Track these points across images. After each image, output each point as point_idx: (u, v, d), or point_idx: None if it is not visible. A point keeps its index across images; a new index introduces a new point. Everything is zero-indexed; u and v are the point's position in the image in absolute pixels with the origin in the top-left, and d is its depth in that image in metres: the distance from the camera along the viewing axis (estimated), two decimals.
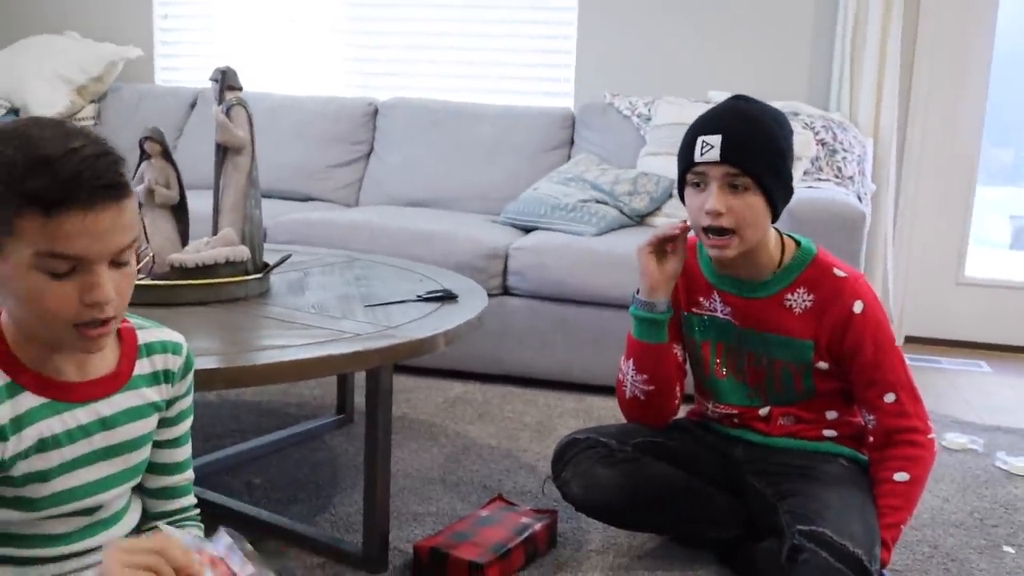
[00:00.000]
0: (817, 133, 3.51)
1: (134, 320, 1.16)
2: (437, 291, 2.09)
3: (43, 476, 1.05)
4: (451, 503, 2.24)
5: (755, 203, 1.73)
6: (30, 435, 1.03)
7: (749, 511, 1.92)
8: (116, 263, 1.00)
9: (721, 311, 1.89)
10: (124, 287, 1.02)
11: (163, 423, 1.18)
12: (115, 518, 1.14)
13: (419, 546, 1.90)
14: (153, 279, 1.95)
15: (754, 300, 1.84)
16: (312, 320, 1.83)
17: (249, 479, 2.34)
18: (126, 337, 1.13)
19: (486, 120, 3.87)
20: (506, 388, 3.15)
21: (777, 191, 1.75)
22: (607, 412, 2.90)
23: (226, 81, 2.09)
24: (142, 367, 1.13)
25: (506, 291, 3.15)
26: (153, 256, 1.99)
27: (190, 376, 1.20)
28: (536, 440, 2.68)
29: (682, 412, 2.04)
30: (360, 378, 2.91)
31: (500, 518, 2.02)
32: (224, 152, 2.10)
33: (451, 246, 3.15)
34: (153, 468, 1.19)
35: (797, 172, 3.31)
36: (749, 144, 1.72)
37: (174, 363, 1.17)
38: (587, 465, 1.89)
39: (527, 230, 3.36)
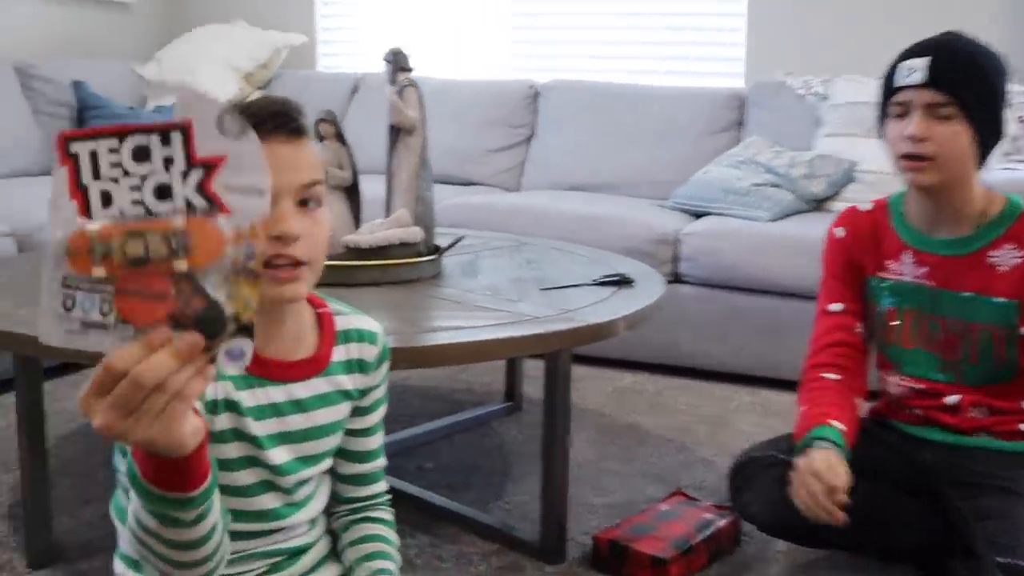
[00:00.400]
0: (1018, 112, 3.29)
1: (334, 305, 1.16)
2: (613, 275, 2.05)
3: (225, 438, 1.06)
4: (627, 495, 2.21)
5: (960, 134, 1.60)
6: (232, 402, 1.06)
7: (942, 519, 1.78)
8: (304, 206, 1.01)
9: (913, 273, 1.76)
10: (315, 235, 1.02)
11: (357, 412, 1.18)
12: (301, 503, 1.15)
13: (599, 537, 1.87)
14: (327, 260, 1.98)
15: (954, 258, 1.71)
16: (488, 302, 1.83)
17: (420, 463, 2.36)
18: (325, 323, 1.14)
19: (652, 102, 3.80)
20: (677, 379, 3.08)
21: (986, 126, 1.61)
22: (784, 407, 2.80)
23: (398, 62, 2.10)
24: (338, 354, 1.14)
25: (677, 278, 3.09)
26: (329, 238, 2.02)
27: (385, 366, 1.19)
28: (712, 434, 2.62)
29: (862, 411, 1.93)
30: (528, 366, 2.90)
31: (681, 513, 1.97)
32: (396, 133, 2.12)
33: (619, 231, 3.11)
34: (346, 455, 1.20)
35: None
36: (958, 69, 1.59)
37: (370, 352, 1.17)
38: (768, 487, 1.79)
39: (697, 215, 3.29)
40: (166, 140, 0.68)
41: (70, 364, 2.82)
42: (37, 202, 2.98)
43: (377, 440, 1.23)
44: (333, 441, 1.16)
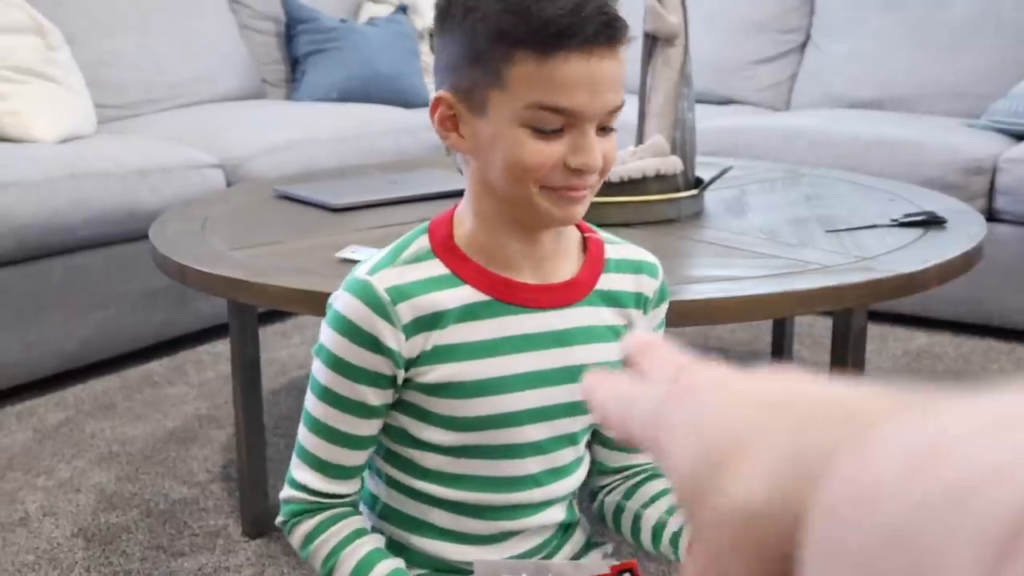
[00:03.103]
0: None
1: (603, 234, 1.13)
2: (917, 214, 1.94)
3: (463, 390, 1.04)
4: None
5: None
6: (462, 334, 1.03)
7: None
8: (603, 128, 0.99)
9: None
10: (609, 158, 1.00)
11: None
12: (569, 468, 1.13)
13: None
14: None
15: None
16: (763, 247, 1.76)
17: None
18: (592, 247, 1.10)
19: None
20: (987, 341, 2.92)
21: None
22: None
23: None
24: (607, 283, 1.10)
25: (992, 216, 2.90)
26: None
27: (665, 305, 1.16)
28: None
29: None
30: (800, 322, 2.81)
31: None
32: (652, 43, 2.07)
33: (918, 157, 2.95)
34: None
35: None
36: None
37: (649, 286, 1.13)
38: None
39: (1020, 136, 3.07)
40: None
41: (280, 311, 2.96)
42: (246, 130, 3.13)
43: None
44: None
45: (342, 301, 1.03)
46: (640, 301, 1.12)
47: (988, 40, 3.47)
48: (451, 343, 1.03)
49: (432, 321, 1.02)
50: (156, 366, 2.77)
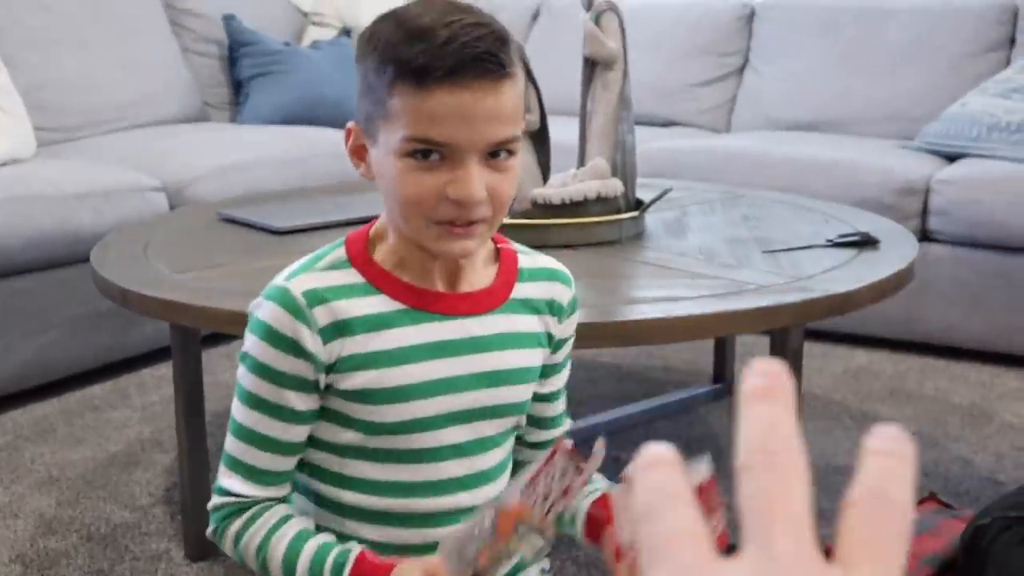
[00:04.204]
0: None
1: (515, 245, 1.16)
2: (851, 234, 1.98)
3: (378, 396, 1.05)
4: None
5: None
6: (378, 341, 1.05)
7: None
8: (493, 162, 1.00)
9: None
10: (501, 191, 1.01)
11: (545, 372, 1.17)
12: (494, 472, 1.14)
13: (830, 548, 1.81)
14: (512, 217, 1.98)
15: None
16: (702, 268, 1.79)
17: (617, 454, 2.35)
18: (505, 258, 1.13)
19: (894, 19, 3.63)
20: (923, 359, 2.97)
21: None
22: None
23: None
24: (522, 291, 1.12)
25: (925, 236, 2.96)
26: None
27: (575, 316, 1.18)
28: (970, 426, 2.51)
29: None
30: (739, 340, 2.85)
31: (936, 524, 1.89)
32: (592, 68, 2.09)
33: (853, 178, 3.00)
34: (542, 423, 1.21)
35: None
36: None
37: (562, 294, 1.15)
38: (1005, 554, 1.69)
39: (951, 158, 3.14)
40: None
41: (223, 334, 2.95)
42: (189, 153, 3.12)
43: (562, 404, 1.23)
44: (521, 394, 1.13)
45: (263, 309, 1.05)
46: (554, 308, 1.14)
47: (922, 64, 3.54)
48: (366, 351, 1.04)
49: (347, 327, 1.04)
50: (98, 390, 2.74)
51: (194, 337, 1.91)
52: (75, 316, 2.69)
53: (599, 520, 1.09)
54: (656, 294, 1.67)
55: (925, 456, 2.34)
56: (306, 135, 3.40)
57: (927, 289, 2.94)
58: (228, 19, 3.91)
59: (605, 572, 1.86)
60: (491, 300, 1.10)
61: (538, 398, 1.18)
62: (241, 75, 3.87)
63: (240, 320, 1.52)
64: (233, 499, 1.07)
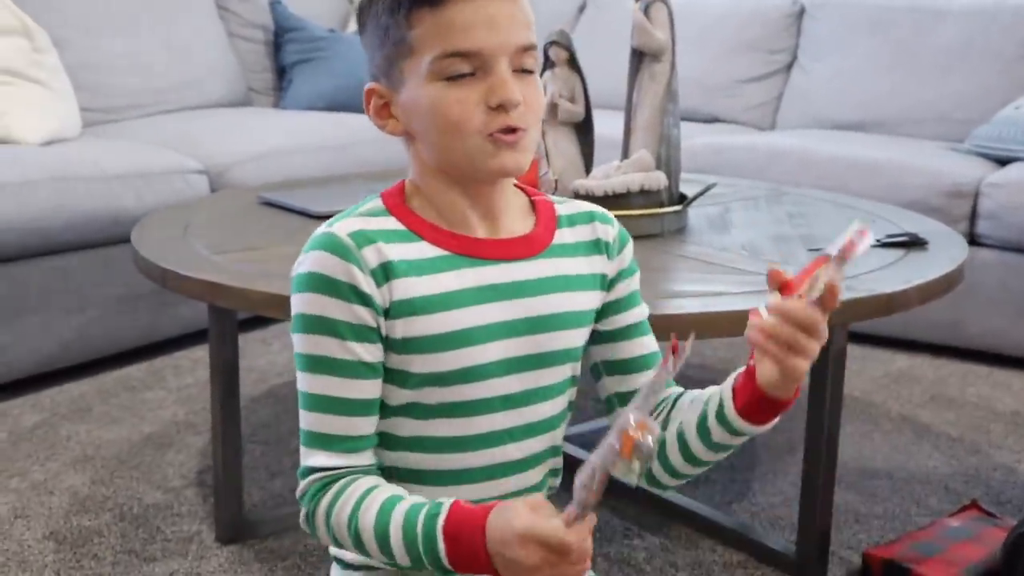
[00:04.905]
0: None
1: (549, 196, 1.14)
2: (899, 234, 1.94)
3: (426, 344, 1.02)
4: (903, 504, 2.11)
5: None
6: (425, 286, 1.02)
7: None
8: (518, 70, 1.01)
9: None
10: (532, 98, 1.02)
11: (608, 310, 1.13)
12: (546, 424, 1.10)
13: (871, 554, 1.80)
14: None
15: None
16: (745, 264, 1.76)
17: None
18: (542, 208, 1.11)
19: (948, 19, 3.57)
20: (966, 365, 2.93)
21: None
22: None
23: None
24: (564, 237, 1.10)
25: (972, 240, 2.91)
26: (556, 181, 2.00)
27: (629, 250, 1.15)
28: (1013, 435, 2.47)
29: None
30: None
31: (977, 532, 1.86)
32: (639, 59, 2.07)
33: (901, 180, 2.96)
34: (614, 367, 1.15)
35: None
36: None
37: (607, 232, 1.12)
38: None
39: (1003, 161, 3.08)
40: None
41: (260, 318, 2.95)
42: (231, 136, 3.12)
43: (647, 344, 1.15)
44: (574, 339, 1.09)
45: (308, 260, 1.01)
46: (601, 247, 1.12)
47: (973, 65, 3.49)
48: (410, 296, 1.01)
49: (393, 269, 1.01)
50: (134, 370, 2.75)
51: (231, 319, 1.90)
52: (113, 296, 2.70)
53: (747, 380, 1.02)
54: (698, 288, 1.64)
55: (967, 463, 2.30)
56: (347, 122, 3.40)
57: (973, 294, 2.88)
58: (274, 4, 3.92)
59: (635, 567, 1.85)
60: (533, 246, 1.08)
61: (612, 336, 1.13)
62: (285, 61, 3.88)
63: (278, 303, 1.52)
64: (317, 476, 1.02)
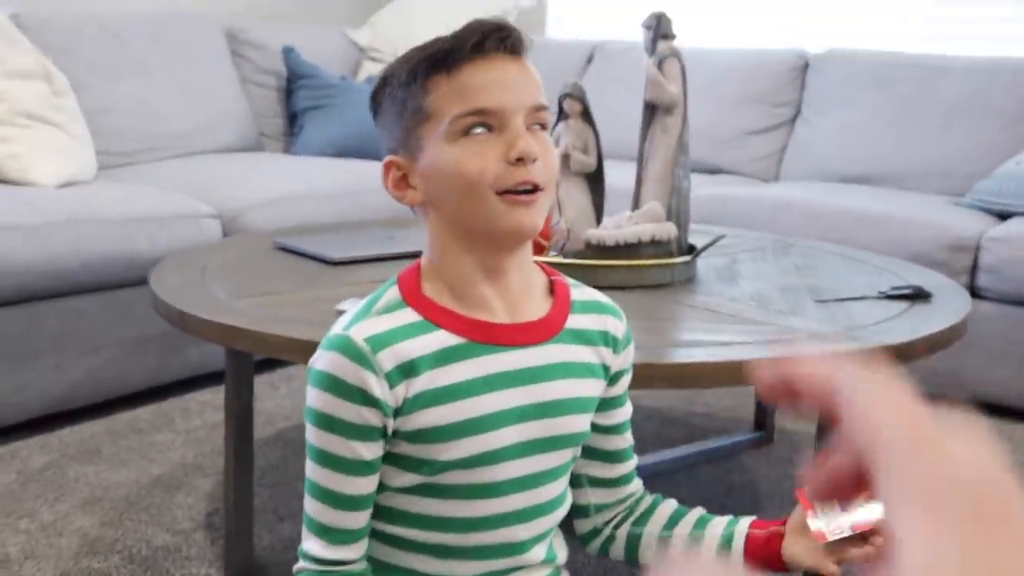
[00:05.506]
0: None
1: (565, 278, 1.17)
2: (904, 287, 1.97)
3: (446, 433, 1.05)
4: None
5: None
6: (444, 377, 1.05)
7: None
8: (533, 127, 1.05)
9: None
10: (547, 160, 1.05)
11: (606, 405, 1.18)
12: (552, 505, 1.14)
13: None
14: (566, 257, 1.99)
15: None
16: (754, 314, 1.79)
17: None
18: (558, 290, 1.14)
19: (951, 75, 3.62)
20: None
21: None
22: None
23: (660, 28, 2.09)
24: (576, 323, 1.13)
25: (973, 293, 2.93)
26: (568, 231, 2.03)
27: (631, 349, 1.19)
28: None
29: None
30: None
31: None
32: (652, 112, 2.11)
33: (904, 233, 2.99)
34: (596, 455, 1.21)
35: None
36: None
37: (616, 327, 1.16)
38: None
39: (1003, 216, 3.11)
40: None
41: (269, 362, 2.97)
42: (243, 181, 3.16)
43: (629, 438, 1.24)
44: (578, 424, 1.13)
45: (323, 359, 1.04)
46: (608, 340, 1.15)
47: (975, 121, 3.53)
48: (433, 387, 1.04)
49: (411, 368, 1.04)
50: (143, 412, 2.77)
51: (248, 363, 1.93)
52: (125, 338, 2.72)
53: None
54: (708, 338, 1.66)
55: None
56: (358, 169, 3.44)
57: (974, 346, 2.91)
58: (287, 51, 3.97)
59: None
60: (548, 330, 1.11)
61: (606, 430, 1.20)
62: (297, 107, 3.92)
63: (297, 347, 1.54)
64: (313, 566, 1.08)
